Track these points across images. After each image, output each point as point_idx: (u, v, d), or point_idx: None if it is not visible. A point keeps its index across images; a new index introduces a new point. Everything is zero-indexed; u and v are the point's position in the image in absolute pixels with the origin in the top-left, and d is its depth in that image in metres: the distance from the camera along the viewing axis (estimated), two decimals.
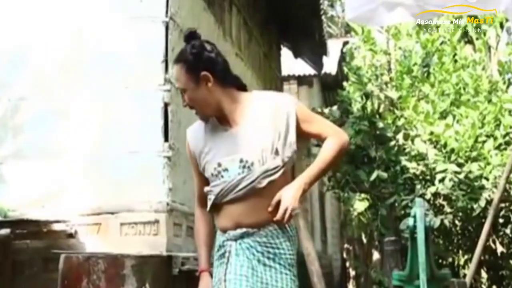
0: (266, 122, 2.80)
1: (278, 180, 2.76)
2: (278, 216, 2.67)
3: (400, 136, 7.43)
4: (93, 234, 4.79)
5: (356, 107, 8.69)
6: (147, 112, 4.93)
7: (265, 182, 2.76)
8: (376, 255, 14.65)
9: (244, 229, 2.78)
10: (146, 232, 4.77)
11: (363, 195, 10.18)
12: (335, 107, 8.42)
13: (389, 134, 7.38)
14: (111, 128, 4.92)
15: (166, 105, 4.96)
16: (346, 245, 17.06)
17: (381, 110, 7.86)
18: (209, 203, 2.84)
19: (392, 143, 7.31)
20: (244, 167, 2.78)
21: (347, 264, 16.73)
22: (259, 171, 2.76)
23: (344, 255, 16.72)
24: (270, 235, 2.79)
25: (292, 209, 2.75)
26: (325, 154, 2.83)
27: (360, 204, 14.10)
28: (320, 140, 2.93)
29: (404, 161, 7.22)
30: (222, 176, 2.80)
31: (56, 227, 4.58)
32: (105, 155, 4.87)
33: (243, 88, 2.94)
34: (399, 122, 7.87)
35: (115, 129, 4.91)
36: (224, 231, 2.83)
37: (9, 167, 4.95)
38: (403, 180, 7.04)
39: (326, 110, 8.35)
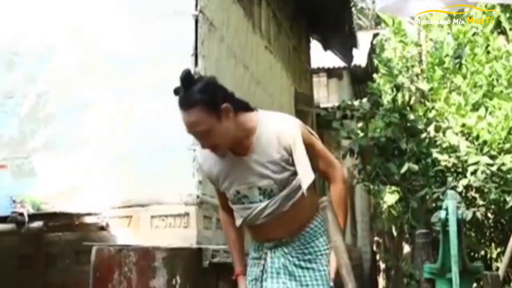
0: (274, 149, 2.79)
1: (300, 199, 2.79)
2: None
3: (431, 128, 7.36)
4: (124, 227, 4.82)
5: (386, 99, 8.64)
6: (177, 106, 4.93)
7: (288, 206, 2.79)
8: (406, 248, 14.56)
9: (276, 241, 2.83)
10: (176, 224, 4.79)
11: (393, 188, 10.13)
12: (365, 100, 8.37)
13: (420, 126, 7.32)
14: (142, 121, 4.94)
15: None
16: (376, 238, 16.97)
17: (412, 102, 7.80)
18: (237, 222, 2.89)
19: (423, 135, 7.25)
20: (264, 194, 2.81)
21: (377, 257, 16.64)
22: (280, 197, 2.79)
23: (374, 248, 16.63)
24: (303, 239, 2.82)
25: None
26: (341, 208, 2.83)
27: (390, 197, 14.02)
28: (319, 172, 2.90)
29: (435, 153, 7.16)
30: (243, 202, 2.84)
31: (88, 219, 4.62)
32: (135, 148, 4.90)
33: (250, 108, 2.89)
34: (430, 114, 7.80)
35: (146, 123, 4.93)
36: (258, 241, 2.90)
37: (41, 160, 4.99)
38: (434, 172, 6.97)
39: (356, 103, 8.30)
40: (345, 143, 8.25)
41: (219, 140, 2.80)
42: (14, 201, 4.40)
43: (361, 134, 7.57)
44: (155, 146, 4.86)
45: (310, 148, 2.81)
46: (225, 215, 2.99)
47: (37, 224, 4.28)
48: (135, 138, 4.92)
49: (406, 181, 6.98)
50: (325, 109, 9.28)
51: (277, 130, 2.79)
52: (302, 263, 2.81)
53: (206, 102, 2.75)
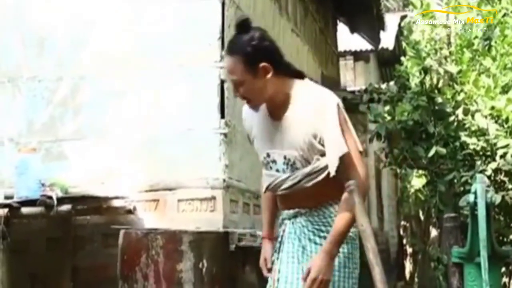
0: (307, 122, 2.74)
1: (324, 180, 2.73)
2: (307, 286, 2.65)
3: (459, 111, 7.26)
4: (151, 211, 4.85)
5: (414, 82, 8.54)
6: (203, 89, 4.95)
7: (310, 183, 2.76)
8: (433, 232, 14.47)
9: (296, 209, 2.82)
10: (203, 208, 4.81)
11: (420, 172, 10.05)
12: (392, 83, 8.30)
13: (448, 109, 7.23)
14: (168, 106, 4.95)
15: (222, 82, 4.96)
16: (403, 222, 16.89)
17: (440, 85, 7.69)
18: (262, 189, 2.91)
19: (452, 118, 7.16)
20: (287, 164, 2.79)
21: (404, 241, 16.57)
22: (302, 173, 2.76)
23: (401, 232, 16.56)
24: (322, 214, 2.80)
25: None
26: (342, 216, 2.71)
27: (417, 181, 13.92)
28: None
29: (463, 136, 7.07)
30: (271, 168, 2.83)
31: (116, 203, 4.65)
32: (162, 132, 4.91)
33: (296, 75, 2.85)
34: (459, 97, 7.70)
35: (172, 107, 4.94)
36: (282, 209, 2.89)
37: (70, 145, 5.04)
38: (463, 156, 6.89)
39: (383, 86, 8.24)
40: (372, 126, 8.18)
41: (250, 95, 2.80)
42: (43, 185, 4.44)
43: (388, 118, 7.50)
44: (181, 130, 4.88)
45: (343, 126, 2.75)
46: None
47: (66, 207, 4.32)
48: (162, 122, 4.94)
49: (433, 164, 6.91)
50: (352, 92, 9.23)
51: (315, 104, 2.75)
52: (317, 239, 2.79)
53: (246, 54, 2.73)
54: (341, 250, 2.78)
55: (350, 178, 2.70)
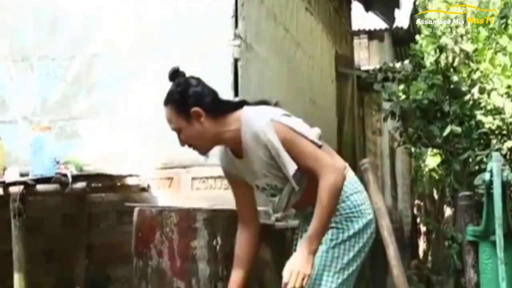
0: (258, 149, 2.78)
1: (312, 180, 2.76)
2: (291, 284, 2.67)
3: (475, 90, 7.22)
4: (165, 188, 4.86)
5: (429, 61, 8.49)
6: (217, 68, 4.93)
7: (301, 190, 2.83)
8: (448, 211, 14.44)
9: (304, 211, 2.97)
10: (217, 186, 4.81)
11: (435, 151, 10.01)
12: (407, 61, 8.25)
13: (464, 88, 7.20)
14: None
15: (236, 60, 4.94)
16: (416, 201, 16.86)
17: (455, 63, 7.63)
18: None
19: (467, 97, 7.13)
20: (274, 189, 2.89)
21: (418, 220, 16.56)
22: (287, 190, 2.85)
23: (415, 211, 16.54)
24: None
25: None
26: (318, 209, 2.70)
27: (432, 160, 13.88)
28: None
29: (479, 115, 7.04)
30: (266, 195, 2.96)
31: (130, 181, 4.66)
32: None
33: (237, 106, 2.88)
34: (475, 76, 7.65)
35: None
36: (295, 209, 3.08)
37: (83, 123, 5.05)
38: (478, 135, 6.87)
39: (398, 65, 8.19)
40: (386, 105, 8.16)
41: (192, 141, 2.90)
42: (57, 163, 4.46)
43: (403, 97, 7.48)
44: None
45: (290, 144, 2.74)
46: (239, 227, 3.10)
47: (80, 185, 4.33)
48: None
49: (448, 143, 6.89)
50: (366, 71, 9.17)
51: (254, 131, 2.76)
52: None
53: (176, 102, 2.86)
54: (340, 225, 2.82)
55: (319, 173, 2.70)
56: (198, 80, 2.92)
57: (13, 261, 4.29)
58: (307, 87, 7.18)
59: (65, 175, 4.30)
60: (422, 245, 16.55)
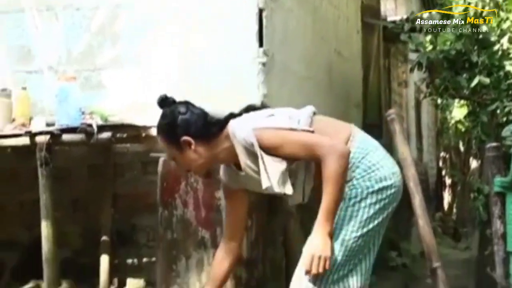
0: (249, 160, 2.78)
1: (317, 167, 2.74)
2: (314, 270, 2.65)
3: (504, 40, 7.08)
4: None
5: (457, 10, 8.32)
6: (241, 18, 4.87)
7: (311, 180, 2.82)
8: (473, 164, 14.36)
9: None
10: None
11: (462, 102, 9.90)
12: (434, 11, 8.09)
13: (493, 38, 7.05)
14: (206, 34, 4.90)
15: (260, 10, 4.88)
16: (442, 154, 16.77)
17: (484, 13, 7.47)
18: None
19: (496, 47, 6.99)
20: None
21: (443, 172, 16.49)
22: (300, 178, 2.84)
23: (440, 164, 16.46)
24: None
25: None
26: (325, 195, 2.66)
27: (458, 111, 13.73)
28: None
29: (508, 66, 6.91)
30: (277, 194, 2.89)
31: (154, 131, 4.66)
32: (200, 61, 4.88)
33: (226, 122, 2.86)
34: (504, 25, 7.50)
35: (210, 36, 4.88)
36: None
37: (108, 74, 5.05)
38: (507, 86, 6.74)
39: (425, 15, 8.03)
40: (413, 56, 8.05)
41: (188, 167, 2.90)
42: (83, 113, 4.48)
43: (430, 47, 7.36)
44: (219, 59, 4.83)
45: (277, 148, 2.72)
46: (222, 241, 3.03)
47: (106, 135, 4.35)
48: (199, 51, 4.89)
49: (476, 94, 6.79)
50: (393, 21, 9.03)
51: (241, 144, 2.76)
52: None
53: (165, 134, 2.84)
54: (358, 186, 2.80)
55: (320, 160, 2.67)
56: (186, 106, 2.91)
57: (40, 210, 4.36)
58: (332, 38, 7.09)
59: (90, 125, 4.32)
60: (447, 197, 16.52)
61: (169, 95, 2.98)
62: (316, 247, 2.66)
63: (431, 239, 3.08)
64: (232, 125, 2.84)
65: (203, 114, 2.91)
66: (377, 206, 2.83)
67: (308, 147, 2.69)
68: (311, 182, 2.86)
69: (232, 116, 2.91)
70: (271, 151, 2.72)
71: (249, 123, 2.79)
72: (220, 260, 3.02)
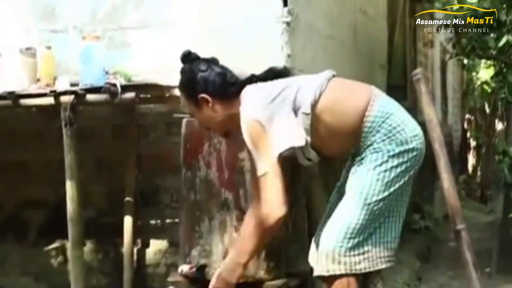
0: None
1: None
2: None
3: None
4: None
5: None
6: None
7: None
8: (499, 126, 14.21)
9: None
10: None
11: (489, 62, 9.75)
12: None
13: None
14: None
15: None
16: (467, 115, 16.61)
17: None
18: None
19: None
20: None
21: (468, 134, 16.35)
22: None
23: (465, 126, 16.32)
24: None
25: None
26: (241, 242, 2.99)
27: (485, 72, 13.54)
28: None
29: None
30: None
31: (178, 92, 4.66)
32: (223, 22, 4.83)
33: (243, 86, 2.96)
34: None
35: None
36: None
37: (132, 34, 5.02)
38: None
39: None
40: (439, 16, 7.91)
41: (205, 125, 3.01)
42: (107, 73, 4.47)
43: (457, 6, 7.22)
44: (243, 19, 4.78)
45: (256, 148, 2.84)
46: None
47: (129, 95, 4.35)
48: (223, 12, 4.85)
49: (504, 54, 6.66)
50: None
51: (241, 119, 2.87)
52: (356, 163, 2.89)
53: (184, 89, 2.94)
54: (379, 149, 2.83)
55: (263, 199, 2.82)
56: (208, 64, 2.95)
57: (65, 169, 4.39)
58: None
59: (114, 85, 4.32)
60: (471, 160, 16.41)
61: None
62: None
63: (455, 201, 3.05)
64: (245, 98, 2.89)
65: (223, 73, 2.93)
66: (399, 169, 2.82)
67: (264, 179, 2.81)
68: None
69: (252, 78, 2.92)
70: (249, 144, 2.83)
71: (253, 107, 2.83)
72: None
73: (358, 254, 2.81)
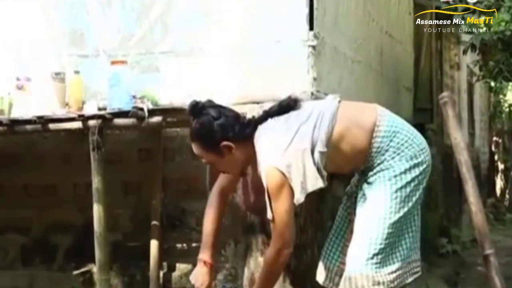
0: None
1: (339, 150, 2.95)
2: None
3: None
4: None
5: None
6: (291, 0, 4.83)
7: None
8: None
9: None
10: None
11: None
12: None
13: None
14: (256, 17, 4.87)
15: None
16: (495, 138, 16.45)
17: None
18: None
19: None
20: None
21: (496, 157, 16.18)
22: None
23: (493, 148, 16.15)
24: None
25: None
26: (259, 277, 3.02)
27: None
28: None
29: None
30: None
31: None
32: (250, 45, 4.86)
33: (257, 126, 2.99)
34: None
35: (260, 19, 4.85)
36: None
37: (161, 59, 5.04)
38: None
39: None
40: (466, 38, 7.89)
41: (227, 170, 3.01)
42: (134, 97, 4.51)
43: (484, 29, 7.20)
44: (269, 42, 4.80)
45: (270, 195, 2.87)
46: (216, 190, 3.17)
47: (156, 119, 4.38)
48: (249, 35, 4.87)
49: None
50: (446, 2, 8.84)
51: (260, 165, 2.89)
52: (369, 180, 2.95)
53: (203, 140, 2.89)
54: (389, 166, 2.90)
55: (272, 239, 2.91)
56: (218, 110, 2.94)
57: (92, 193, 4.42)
58: (383, 20, 6.99)
59: (141, 109, 4.36)
60: (499, 183, 16.22)
61: (201, 98, 3.04)
62: None
63: (483, 226, 3.02)
64: (260, 140, 2.94)
65: (236, 116, 2.95)
66: (412, 184, 2.92)
67: (276, 222, 2.84)
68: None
69: (265, 116, 2.96)
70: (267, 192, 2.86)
71: (275, 153, 2.85)
72: (218, 204, 3.16)
73: (391, 273, 2.83)
